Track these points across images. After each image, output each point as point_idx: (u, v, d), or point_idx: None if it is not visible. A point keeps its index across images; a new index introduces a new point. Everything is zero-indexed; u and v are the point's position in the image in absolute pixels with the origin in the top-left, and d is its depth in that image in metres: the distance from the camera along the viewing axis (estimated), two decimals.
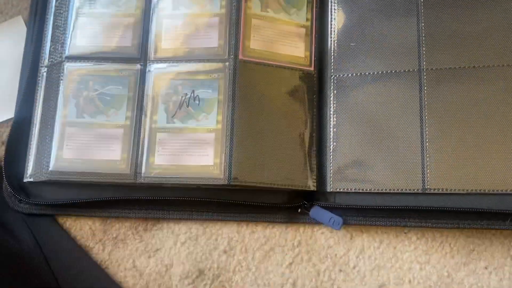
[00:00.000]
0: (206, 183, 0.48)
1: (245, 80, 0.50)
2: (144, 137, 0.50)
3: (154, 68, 0.51)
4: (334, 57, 0.53)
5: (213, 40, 0.51)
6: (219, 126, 0.49)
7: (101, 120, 0.50)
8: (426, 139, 0.48)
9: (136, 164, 0.49)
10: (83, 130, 0.50)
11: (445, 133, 0.48)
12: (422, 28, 0.51)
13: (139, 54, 0.52)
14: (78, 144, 0.50)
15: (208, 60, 0.50)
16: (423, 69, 0.50)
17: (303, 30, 0.53)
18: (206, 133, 0.49)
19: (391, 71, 0.51)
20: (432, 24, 0.51)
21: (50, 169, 0.49)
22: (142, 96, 0.51)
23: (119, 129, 0.50)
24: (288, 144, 0.49)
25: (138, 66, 0.51)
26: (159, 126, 0.49)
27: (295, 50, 0.52)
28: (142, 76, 0.51)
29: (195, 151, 0.48)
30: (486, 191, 0.46)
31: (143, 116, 0.50)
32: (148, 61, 0.52)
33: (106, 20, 0.53)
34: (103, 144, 0.49)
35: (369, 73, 0.51)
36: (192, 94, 0.50)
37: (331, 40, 0.53)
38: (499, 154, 0.46)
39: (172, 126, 0.49)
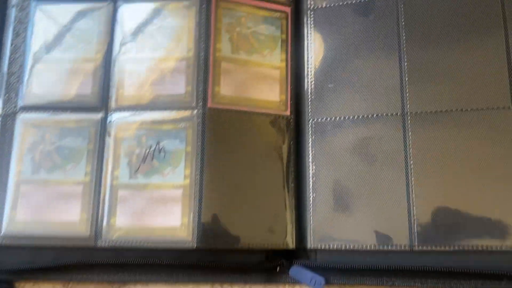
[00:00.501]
0: (173, 246, 0.43)
1: (215, 129, 0.46)
2: (104, 195, 0.45)
3: (115, 118, 0.47)
4: (311, 100, 0.49)
5: (180, 86, 0.47)
6: (187, 181, 0.44)
7: (58, 177, 0.46)
8: (412, 189, 0.44)
9: (96, 226, 0.45)
10: (39, 188, 0.46)
11: (432, 181, 0.44)
12: (405, 68, 0.47)
13: (100, 103, 0.48)
14: (33, 204, 0.45)
15: (175, 108, 0.46)
16: (407, 113, 0.46)
17: (277, 72, 0.49)
18: (172, 189, 0.44)
19: (374, 115, 0.47)
20: (415, 64, 0.47)
21: (2, 233, 0.45)
22: (103, 149, 0.46)
23: (78, 186, 0.45)
24: (265, 198, 0.45)
25: (98, 116, 0.47)
26: (120, 183, 0.45)
27: (270, 94, 0.48)
28: (103, 127, 0.47)
29: (160, 210, 0.44)
30: (479, 249, 0.42)
31: (103, 171, 0.46)
32: (109, 110, 0.47)
33: (64, 66, 0.49)
34: (61, 203, 0.45)
35: (349, 117, 0.48)
36: (157, 146, 0.45)
37: (308, 82, 0.50)
38: (490, 204, 0.42)
39: (135, 182, 0.45)
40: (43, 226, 0.45)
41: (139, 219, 0.44)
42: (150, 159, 0.45)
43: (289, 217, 0.46)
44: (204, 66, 0.47)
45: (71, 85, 0.48)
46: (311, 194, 0.47)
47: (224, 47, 0.48)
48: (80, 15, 0.49)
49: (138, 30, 0.49)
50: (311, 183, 0.47)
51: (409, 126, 0.46)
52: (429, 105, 0.46)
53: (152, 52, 0.48)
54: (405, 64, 0.47)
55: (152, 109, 0.47)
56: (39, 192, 0.45)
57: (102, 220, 0.44)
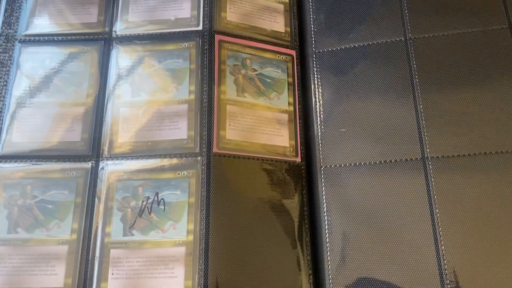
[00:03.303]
0: None
1: (222, 177, 0.41)
2: (94, 255, 0.39)
3: (108, 167, 0.42)
4: (322, 145, 0.45)
5: (181, 130, 0.43)
6: (191, 237, 0.39)
7: (39, 235, 0.39)
8: (441, 241, 0.40)
9: None
10: (16, 250, 0.39)
11: (462, 230, 0.40)
12: (421, 110, 0.45)
13: (90, 150, 0.43)
14: (9, 268, 0.38)
15: (176, 155, 0.42)
16: (427, 157, 0.43)
17: (285, 116, 0.45)
18: (173, 247, 0.39)
19: (390, 160, 0.44)
20: (430, 106, 0.44)
21: None
22: (93, 203, 0.41)
23: (63, 245, 0.39)
24: (278, 254, 0.40)
25: (88, 165, 0.42)
26: (113, 241, 0.39)
27: (279, 139, 0.44)
28: (93, 177, 0.42)
29: (160, 271, 0.38)
30: None
31: (92, 228, 0.40)
32: (101, 158, 0.42)
33: (50, 110, 0.44)
34: (42, 267, 0.38)
35: (364, 163, 0.44)
36: (156, 198, 0.40)
37: (317, 126, 0.46)
38: None
39: (130, 240, 0.39)
40: None
41: (135, 284, 0.38)
42: (147, 212, 0.40)
43: (305, 279, 0.40)
44: (208, 109, 0.43)
45: (57, 131, 0.43)
46: (327, 251, 0.42)
47: (229, 89, 0.44)
48: (71, 56, 0.45)
49: (134, 72, 0.45)
50: (327, 237, 0.42)
51: (430, 171, 0.42)
52: (449, 149, 0.43)
53: (149, 95, 0.44)
54: (421, 107, 0.45)
55: (150, 156, 0.42)
56: (16, 255, 0.39)
57: (90, 286, 0.38)
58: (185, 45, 0.45)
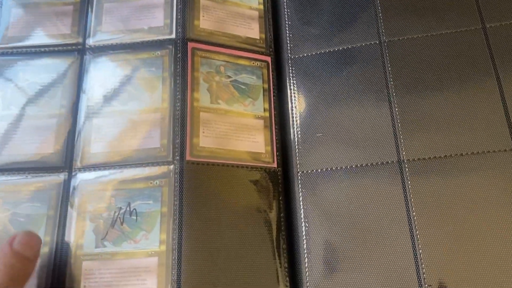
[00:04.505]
0: None
1: (194, 185, 0.40)
2: (66, 268, 0.38)
3: (80, 178, 0.41)
4: (299, 151, 0.45)
5: (154, 140, 0.42)
6: (163, 247, 0.38)
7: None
8: (418, 245, 0.40)
9: None
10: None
11: (439, 233, 0.40)
12: (396, 113, 0.44)
13: (63, 162, 0.42)
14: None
15: (148, 164, 0.41)
16: (403, 160, 0.43)
17: (261, 122, 0.45)
18: (146, 257, 0.38)
19: (367, 164, 0.43)
20: (406, 109, 0.44)
21: None
22: (65, 215, 0.40)
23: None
24: (253, 267, 0.39)
25: (61, 177, 0.42)
26: (85, 253, 0.39)
27: (254, 145, 0.44)
28: (65, 189, 0.41)
29: (132, 282, 0.37)
30: None
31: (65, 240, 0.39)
32: (73, 170, 0.42)
33: (22, 123, 0.43)
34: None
35: (341, 167, 0.44)
36: (128, 208, 0.40)
37: (294, 132, 0.46)
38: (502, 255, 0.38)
39: (102, 252, 0.39)
40: None
41: None
42: (119, 223, 0.39)
43: (284, 280, 0.40)
44: (181, 117, 0.42)
45: (29, 144, 0.43)
46: (305, 258, 0.41)
47: (202, 96, 0.44)
48: (43, 68, 0.45)
49: (107, 82, 0.44)
50: (304, 244, 0.42)
51: (407, 173, 0.42)
52: (425, 151, 0.43)
53: (122, 104, 0.44)
54: (396, 110, 0.44)
55: (123, 166, 0.41)
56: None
57: None
58: (158, 53, 0.45)
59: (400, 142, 0.43)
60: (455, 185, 0.41)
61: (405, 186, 0.42)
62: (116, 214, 0.39)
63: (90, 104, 0.44)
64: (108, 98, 0.44)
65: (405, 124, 0.44)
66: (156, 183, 0.40)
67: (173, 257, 0.38)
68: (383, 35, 0.47)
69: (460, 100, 0.43)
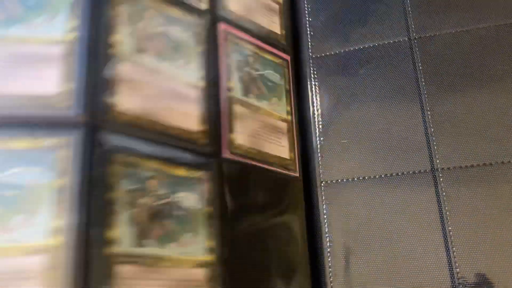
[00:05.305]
0: None
1: (232, 186, 0.35)
2: None
3: None
4: (321, 159, 0.42)
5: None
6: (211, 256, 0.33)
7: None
8: (454, 258, 0.36)
9: None
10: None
11: (476, 246, 0.36)
12: (429, 117, 0.41)
13: None
14: None
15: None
16: (437, 169, 0.39)
17: (285, 125, 0.42)
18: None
19: (397, 173, 0.40)
20: (439, 112, 0.40)
21: None
22: None
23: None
24: (277, 281, 0.36)
25: None
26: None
27: (281, 149, 0.40)
28: None
29: None
30: None
31: None
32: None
33: None
34: None
35: (368, 177, 0.40)
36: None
37: (316, 137, 0.43)
38: None
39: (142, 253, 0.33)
40: None
41: None
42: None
43: None
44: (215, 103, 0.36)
45: None
46: (330, 274, 0.38)
47: (235, 85, 0.39)
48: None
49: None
50: (329, 261, 0.39)
51: (441, 183, 0.38)
52: (462, 159, 0.39)
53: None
54: (428, 113, 0.41)
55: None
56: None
57: None
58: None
59: (434, 149, 0.40)
60: (495, 196, 0.37)
61: (439, 198, 0.38)
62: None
63: None
64: None
65: (439, 128, 0.40)
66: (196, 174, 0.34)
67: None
68: (413, 31, 0.44)
69: (500, 102, 0.40)
